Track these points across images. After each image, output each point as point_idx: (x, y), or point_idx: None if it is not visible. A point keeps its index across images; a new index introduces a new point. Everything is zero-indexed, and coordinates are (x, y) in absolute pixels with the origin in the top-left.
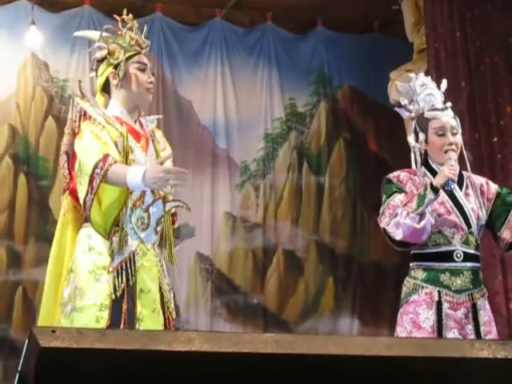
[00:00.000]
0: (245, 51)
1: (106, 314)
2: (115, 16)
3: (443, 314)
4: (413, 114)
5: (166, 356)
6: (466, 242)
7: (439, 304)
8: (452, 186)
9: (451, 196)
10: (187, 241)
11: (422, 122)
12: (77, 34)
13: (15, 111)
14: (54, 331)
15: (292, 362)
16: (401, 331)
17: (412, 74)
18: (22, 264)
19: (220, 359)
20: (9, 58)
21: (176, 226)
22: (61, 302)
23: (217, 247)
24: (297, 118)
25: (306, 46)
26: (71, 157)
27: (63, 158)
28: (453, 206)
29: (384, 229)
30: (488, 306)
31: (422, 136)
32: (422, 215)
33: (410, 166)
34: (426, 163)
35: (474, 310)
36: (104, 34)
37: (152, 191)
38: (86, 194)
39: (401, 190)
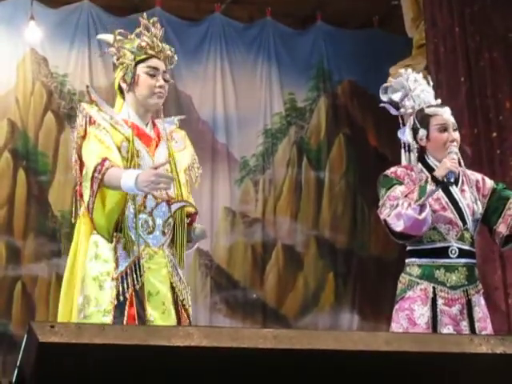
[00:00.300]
0: (244, 46)
1: (108, 319)
2: (140, 19)
3: (438, 310)
4: (410, 110)
5: (165, 351)
6: (461, 239)
7: (434, 300)
8: (453, 179)
9: (446, 192)
10: None
11: (423, 118)
12: (99, 37)
13: (14, 106)
14: (52, 326)
15: (291, 357)
16: (396, 328)
17: (402, 70)
18: (21, 259)
19: (219, 354)
20: (8, 53)
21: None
22: (77, 310)
23: (216, 242)
24: (296, 113)
25: (306, 40)
26: (80, 162)
27: (76, 164)
28: (448, 202)
29: (385, 220)
30: (483, 302)
31: (422, 132)
32: (422, 207)
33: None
34: (421, 160)
35: (469, 306)
36: (118, 37)
37: (153, 195)
38: (89, 198)
39: (400, 183)
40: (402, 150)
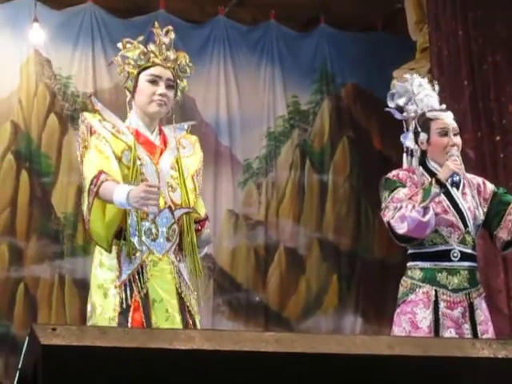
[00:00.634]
0: (248, 49)
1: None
2: (153, 30)
3: (440, 313)
4: (412, 114)
5: (166, 354)
6: (462, 242)
7: (436, 303)
8: (456, 179)
9: (448, 195)
10: None
11: (424, 122)
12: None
13: (18, 108)
14: (54, 329)
15: (293, 360)
16: (398, 331)
17: (407, 75)
18: (23, 260)
19: (220, 358)
20: (11, 55)
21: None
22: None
23: (219, 245)
24: (300, 115)
25: (309, 43)
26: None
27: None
28: (449, 205)
29: (388, 222)
30: (485, 306)
31: (423, 136)
32: (426, 209)
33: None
34: (422, 164)
35: (471, 309)
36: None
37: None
38: (86, 210)
39: (403, 186)
40: (404, 154)
